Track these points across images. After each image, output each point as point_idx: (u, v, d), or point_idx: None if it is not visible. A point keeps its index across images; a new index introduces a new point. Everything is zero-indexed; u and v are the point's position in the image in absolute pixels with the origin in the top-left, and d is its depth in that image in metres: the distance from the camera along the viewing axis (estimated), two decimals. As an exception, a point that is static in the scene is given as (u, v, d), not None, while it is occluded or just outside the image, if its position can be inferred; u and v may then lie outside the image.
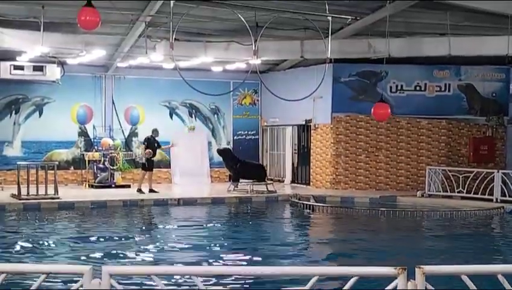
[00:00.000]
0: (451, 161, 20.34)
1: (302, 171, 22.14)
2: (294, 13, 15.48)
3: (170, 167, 22.25)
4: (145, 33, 17.06)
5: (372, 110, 17.08)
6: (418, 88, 20.51)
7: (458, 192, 18.40)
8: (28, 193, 16.89)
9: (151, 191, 18.79)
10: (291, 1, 15.15)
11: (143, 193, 18.56)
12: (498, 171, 17.82)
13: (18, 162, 18.22)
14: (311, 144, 21.42)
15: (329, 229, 15.43)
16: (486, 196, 17.65)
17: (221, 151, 20.90)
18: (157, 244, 12.32)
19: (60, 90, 20.69)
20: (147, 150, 19.22)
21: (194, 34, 18.09)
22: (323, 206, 17.33)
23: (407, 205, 17.76)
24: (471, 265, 5.05)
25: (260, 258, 10.93)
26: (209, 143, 22.96)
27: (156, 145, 19.46)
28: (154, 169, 19.64)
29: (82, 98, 21.35)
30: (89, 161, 20.62)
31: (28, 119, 20.86)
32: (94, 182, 20.30)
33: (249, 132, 23.67)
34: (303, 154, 22.09)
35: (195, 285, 4.64)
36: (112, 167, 20.35)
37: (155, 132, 19.53)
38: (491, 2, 15.51)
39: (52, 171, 17.41)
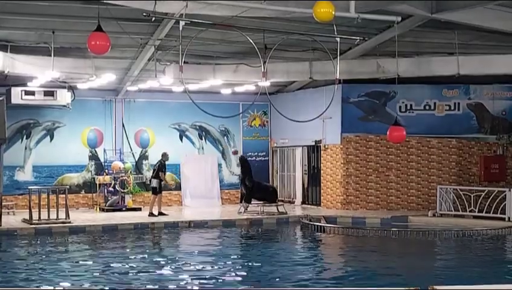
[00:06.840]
0: (462, 180, 20.25)
1: (312, 191, 22.11)
2: (303, 35, 15.54)
3: (181, 190, 22.29)
4: (154, 56, 17.18)
5: (387, 133, 16.81)
6: (427, 107, 20.49)
7: (470, 211, 18.30)
8: (39, 218, 16.94)
9: (160, 214, 18.81)
10: (300, 23, 15.22)
11: (155, 216, 18.59)
12: (510, 190, 17.72)
13: (29, 187, 18.33)
14: (321, 165, 21.40)
15: (341, 250, 15.36)
16: (498, 215, 17.56)
17: (244, 160, 20.67)
18: (168, 267, 12.31)
19: (71, 115, 20.85)
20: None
21: (203, 56, 18.19)
22: (334, 227, 17.28)
23: (418, 225, 17.68)
24: (483, 285, 5.02)
25: (272, 281, 10.89)
26: (219, 165, 22.99)
27: (164, 170, 19.46)
28: (164, 192, 19.69)
29: (92, 122, 21.48)
30: (99, 184, 20.71)
31: (39, 143, 20.98)
32: (105, 206, 20.33)
33: (259, 154, 23.68)
34: (313, 175, 22.07)
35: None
36: (122, 190, 20.41)
37: (164, 156, 19.59)
38: (499, 20, 15.50)
39: (63, 195, 17.48)
